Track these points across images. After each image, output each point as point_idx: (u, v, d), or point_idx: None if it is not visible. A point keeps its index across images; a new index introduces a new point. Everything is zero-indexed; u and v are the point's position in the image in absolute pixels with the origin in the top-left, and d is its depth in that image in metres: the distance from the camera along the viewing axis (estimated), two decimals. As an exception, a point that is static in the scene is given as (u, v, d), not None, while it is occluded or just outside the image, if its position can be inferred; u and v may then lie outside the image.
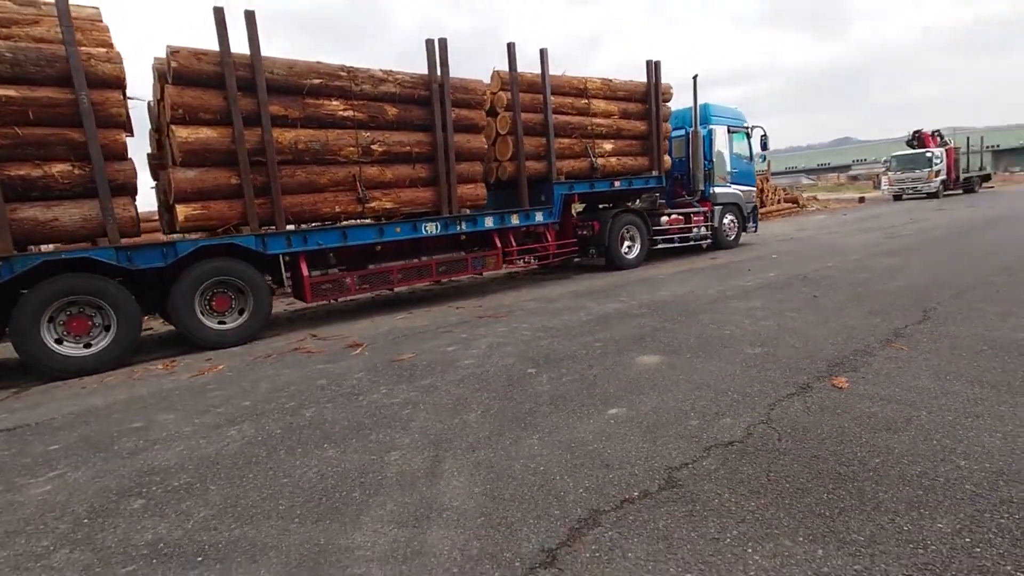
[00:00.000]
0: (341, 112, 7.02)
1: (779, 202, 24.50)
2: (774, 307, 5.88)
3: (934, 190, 26.73)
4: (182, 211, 6.05)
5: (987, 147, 37.22)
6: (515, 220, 8.75)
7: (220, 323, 6.30)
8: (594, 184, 9.83)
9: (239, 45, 6.25)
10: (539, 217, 9.07)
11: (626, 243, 10.35)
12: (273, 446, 3.24)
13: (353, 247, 7.22)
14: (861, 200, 28.57)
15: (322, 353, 5.57)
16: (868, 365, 3.81)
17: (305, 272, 6.77)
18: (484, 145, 8.46)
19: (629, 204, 11.80)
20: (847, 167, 73.52)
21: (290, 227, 6.90)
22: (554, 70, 9.19)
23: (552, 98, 9.19)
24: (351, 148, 7.10)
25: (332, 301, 7.76)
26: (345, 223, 7.24)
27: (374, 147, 7.28)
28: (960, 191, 28.83)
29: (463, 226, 8.13)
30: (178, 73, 5.89)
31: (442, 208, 7.92)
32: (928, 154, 27.11)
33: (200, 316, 6.12)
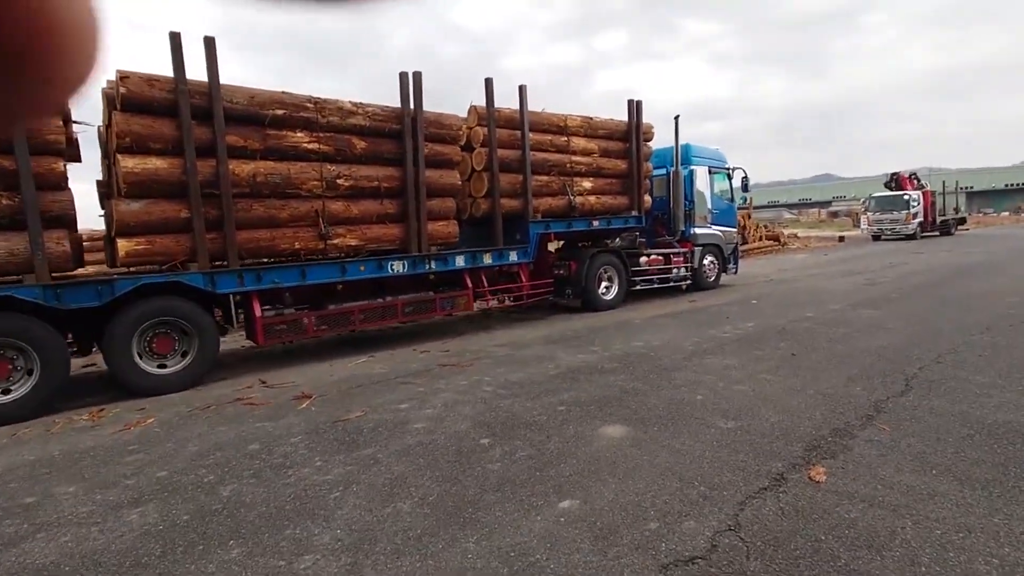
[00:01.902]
0: (306, 144, 6.69)
1: (761, 239, 24.56)
2: (750, 367, 5.58)
3: (912, 232, 27.06)
4: (123, 246, 5.64)
5: (961, 188, 38.02)
6: (488, 259, 8.43)
7: (160, 367, 5.84)
8: (572, 223, 9.58)
9: (198, 72, 5.94)
10: (513, 256, 8.77)
11: (604, 283, 10.08)
12: (173, 540, 2.81)
13: (312, 286, 6.83)
14: (841, 239, 28.82)
15: (266, 406, 5.13)
16: (848, 451, 3.50)
17: (258, 312, 6.36)
18: (458, 181, 8.19)
19: (608, 243, 11.60)
20: (828, 203, 74.88)
21: (246, 262, 6.51)
22: (541, 103, 9.00)
23: (531, 135, 8.98)
24: (315, 182, 6.77)
25: (286, 343, 7.33)
26: (305, 261, 6.85)
27: (340, 181, 6.96)
28: (937, 233, 29.23)
29: (432, 265, 7.79)
30: (127, 99, 5.54)
31: (410, 246, 7.59)
32: (906, 197, 27.50)
33: (138, 360, 5.66)
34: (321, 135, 6.82)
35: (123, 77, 5.51)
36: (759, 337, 6.96)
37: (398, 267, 7.45)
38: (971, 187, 61.74)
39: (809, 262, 18.07)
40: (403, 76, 7.42)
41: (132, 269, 6.21)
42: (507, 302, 9.60)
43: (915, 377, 4.97)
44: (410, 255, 7.58)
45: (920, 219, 27.34)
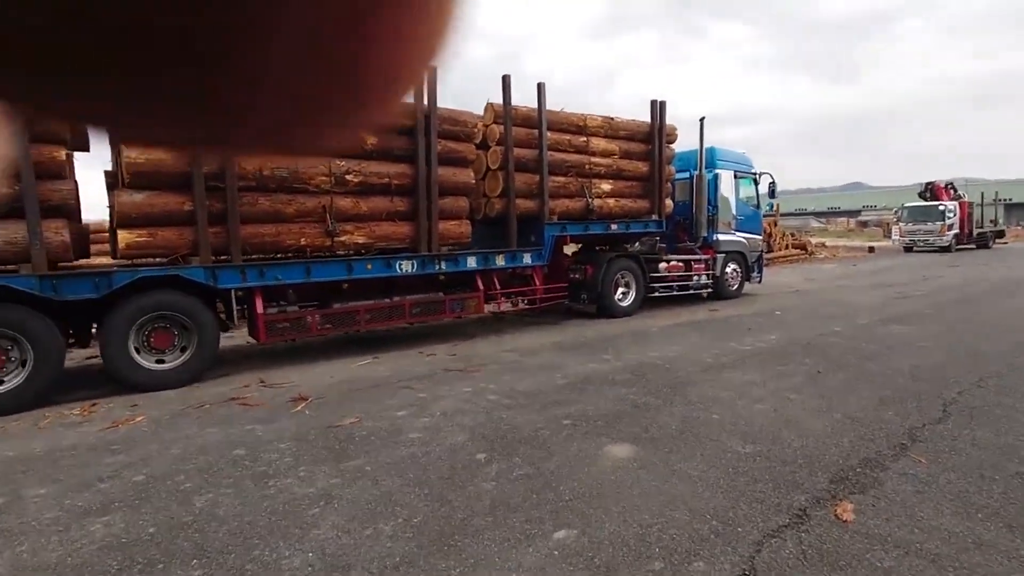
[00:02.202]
0: (314, 138, 6.51)
1: (787, 247, 23.90)
2: (772, 384, 5.23)
3: (946, 244, 26.10)
4: (124, 237, 5.51)
5: (1000, 200, 36.64)
6: (500, 261, 8.18)
7: (159, 362, 5.70)
8: (589, 226, 9.27)
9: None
10: (527, 259, 8.50)
11: (620, 289, 9.75)
12: (132, 555, 2.60)
13: (317, 284, 6.65)
14: (871, 250, 27.95)
15: (260, 407, 4.94)
16: (879, 485, 3.15)
17: (260, 309, 6.19)
18: (471, 180, 7.95)
19: (628, 247, 11.26)
20: (857, 212, 73.16)
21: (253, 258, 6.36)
22: (565, 104, 8.74)
23: (549, 134, 8.70)
24: (323, 177, 6.59)
25: (289, 341, 7.14)
26: (311, 258, 6.67)
27: (349, 177, 6.77)
28: (973, 246, 28.18)
29: (442, 265, 7.56)
30: (132, 88, 5.41)
31: (420, 245, 7.37)
32: (941, 207, 26.56)
33: (135, 355, 5.52)
34: (331, 129, 6.63)
35: (128, 65, 5.38)
36: (782, 352, 6.58)
37: (407, 267, 7.24)
38: (1010, 199, 59.68)
39: (837, 272, 17.46)
40: (418, 70, 7.19)
41: (135, 262, 6.09)
42: (521, 305, 9.35)
43: (954, 403, 4.57)
44: (419, 255, 7.36)
45: (955, 231, 26.36)
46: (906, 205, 28.75)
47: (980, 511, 2.85)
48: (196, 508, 3.05)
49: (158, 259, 6.08)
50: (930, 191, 28.85)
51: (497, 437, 4.03)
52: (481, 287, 7.98)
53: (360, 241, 6.96)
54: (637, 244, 11.58)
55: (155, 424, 4.52)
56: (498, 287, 8.23)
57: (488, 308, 8.54)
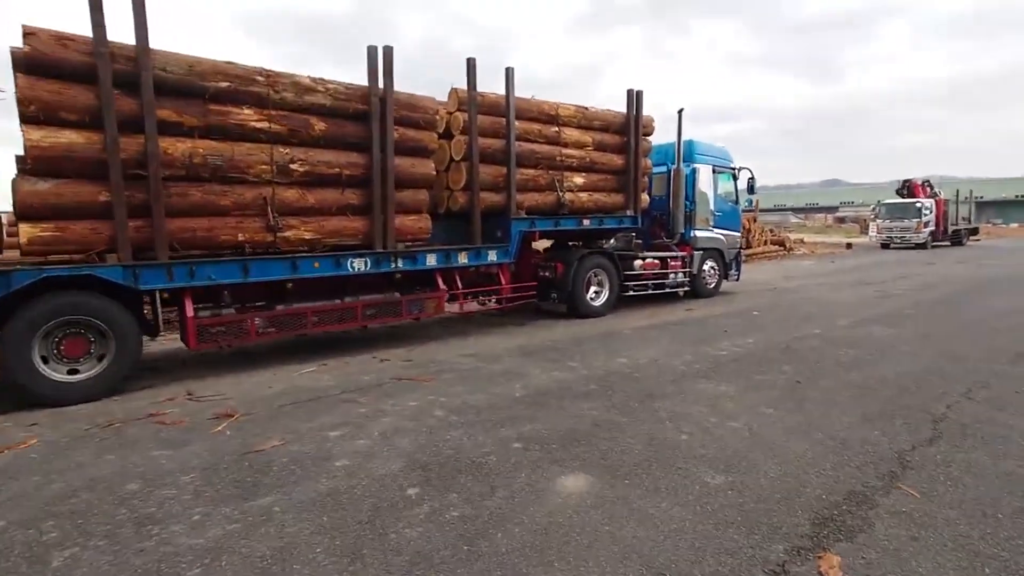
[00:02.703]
0: (254, 123, 5.91)
1: (766, 243, 23.71)
2: (747, 396, 4.79)
3: (922, 241, 26.20)
4: (26, 232, 4.87)
5: (973, 197, 37.00)
6: (463, 259, 7.64)
7: (72, 372, 5.08)
8: (560, 221, 8.78)
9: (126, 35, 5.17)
10: (492, 256, 7.98)
11: (593, 288, 9.29)
12: (-58, 644, 2.05)
13: (257, 284, 6.06)
14: (849, 246, 27.96)
15: (177, 426, 4.37)
16: (869, 528, 2.71)
17: (190, 312, 5.58)
18: (432, 171, 7.39)
19: (603, 243, 10.80)
20: (835, 208, 73.92)
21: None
22: (535, 94, 8.20)
23: (517, 123, 8.18)
24: (264, 166, 5.98)
25: (224, 348, 6.50)
26: (250, 255, 6.06)
27: (294, 166, 6.17)
28: (948, 243, 28.36)
29: (399, 263, 7.00)
30: (33, 60, 4.75)
31: (375, 241, 6.80)
32: (918, 204, 26.65)
33: (40, 365, 4.89)
34: (273, 113, 6.03)
35: (28, 34, 4.73)
36: (760, 357, 6.17)
37: (359, 265, 6.67)
38: (981, 197, 60.65)
39: (816, 270, 17.25)
40: (371, 51, 6.62)
41: (47, 259, 5.44)
42: (487, 305, 8.85)
43: (944, 419, 4.18)
44: (374, 252, 6.79)
45: (932, 228, 26.47)
46: (883, 202, 28.81)
47: (987, 564, 2.43)
48: (51, 568, 2.50)
49: (74, 255, 5.44)
50: (907, 188, 28.94)
51: (437, 464, 3.53)
52: (442, 287, 7.44)
53: (307, 237, 6.37)
54: (613, 240, 11.16)
55: (46, 452, 3.92)
56: (460, 286, 7.69)
57: (451, 308, 8.00)
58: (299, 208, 6.30)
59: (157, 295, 5.53)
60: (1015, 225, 56.59)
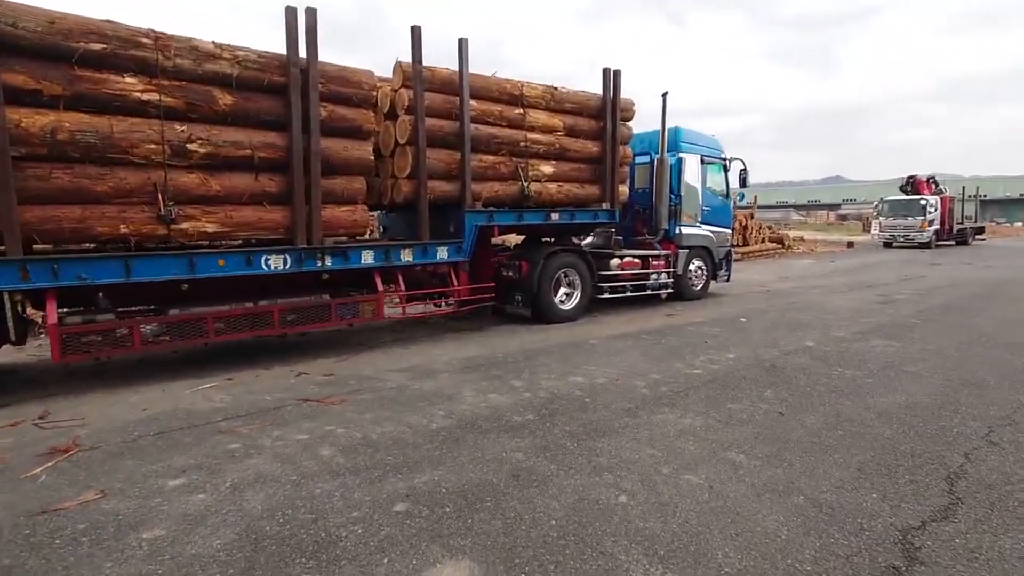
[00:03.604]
0: (139, 93, 4.96)
1: (763, 241, 22.74)
2: (716, 434, 3.86)
3: (927, 240, 25.16)
4: None
5: (978, 195, 35.95)
6: (407, 256, 6.70)
7: None
8: (523, 215, 7.82)
9: None
10: (443, 253, 7.03)
11: (562, 290, 8.34)
12: None
13: (142, 285, 5.12)
14: (850, 245, 26.96)
15: (-8, 466, 3.46)
16: None
17: (52, 318, 4.64)
18: (370, 155, 6.43)
19: (578, 240, 9.87)
20: (837, 206, 72.80)
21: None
22: (496, 71, 7.24)
23: (474, 103, 7.22)
24: (153, 145, 5.04)
25: (98, 359, 5.48)
26: (135, 251, 5.12)
27: (192, 147, 5.23)
28: (953, 242, 27.33)
29: (327, 261, 6.06)
30: None
31: (297, 236, 5.86)
32: (923, 201, 25.58)
33: None
34: (165, 83, 5.08)
35: None
36: (739, 378, 5.23)
37: (277, 263, 5.74)
38: (985, 195, 59.54)
39: (814, 270, 16.29)
40: (289, 12, 5.65)
41: None
42: (442, 308, 7.92)
43: (962, 475, 3.24)
44: (296, 248, 5.86)
45: (936, 227, 25.43)
46: (886, 199, 27.77)
47: None
48: None
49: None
50: (911, 185, 27.88)
51: (278, 540, 2.60)
52: (380, 288, 6.51)
53: (210, 230, 5.43)
54: (591, 237, 10.21)
55: None
56: (403, 287, 6.76)
57: (394, 312, 7.07)
58: (200, 196, 5.36)
59: (6, 297, 4.60)
60: (1019, 224, 55.56)
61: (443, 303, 7.65)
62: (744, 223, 21.57)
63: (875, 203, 30.16)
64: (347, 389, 5.01)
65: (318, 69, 5.84)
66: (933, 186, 27.61)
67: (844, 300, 10.09)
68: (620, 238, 10.07)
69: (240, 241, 5.83)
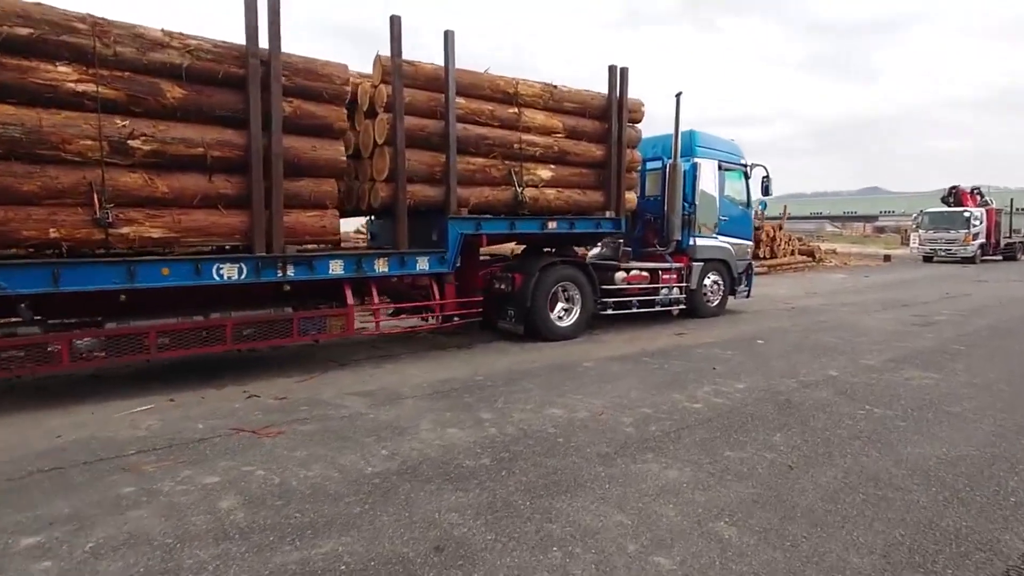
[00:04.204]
0: (72, 84, 4.50)
1: (792, 253, 21.60)
2: (704, 496, 3.13)
3: (971, 255, 23.62)
4: None
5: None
6: (381, 267, 6.11)
7: None
8: (515, 223, 7.17)
9: None
10: (423, 264, 6.43)
11: (560, 305, 7.65)
12: None
13: (73, 295, 4.63)
14: (887, 259, 25.52)
15: None
16: None
17: (-36, 332, 4.18)
18: (341, 155, 5.88)
19: (584, 251, 9.23)
20: (874, 218, 70.27)
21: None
22: (489, 68, 6.64)
23: (462, 101, 6.63)
24: (89, 141, 4.57)
25: (18, 377, 4.94)
26: (66, 257, 4.62)
27: (135, 143, 4.74)
28: (1000, 258, 25.64)
29: (289, 271, 5.51)
30: None
31: (256, 243, 5.33)
32: (966, 214, 24.07)
33: None
34: (104, 73, 4.61)
35: None
36: (746, 416, 4.47)
37: (230, 273, 5.21)
38: (1031, 208, 56.46)
39: (846, 285, 15.22)
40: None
41: None
42: (425, 324, 7.32)
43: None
44: (253, 256, 5.33)
45: (982, 240, 23.88)
46: (927, 210, 26.27)
47: None
48: None
49: None
50: (954, 196, 26.36)
51: (99, 643, 2.00)
52: (350, 301, 5.93)
53: (155, 235, 4.93)
54: (599, 247, 9.52)
55: None
56: (376, 301, 6.17)
57: (367, 327, 6.48)
58: (144, 198, 4.87)
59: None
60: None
61: (427, 318, 7.04)
62: (772, 234, 20.53)
63: (914, 215, 28.62)
64: (293, 417, 4.42)
65: (282, 60, 5.33)
66: (978, 197, 26.06)
67: (877, 320, 9.16)
68: (629, 249, 9.34)
69: (190, 248, 5.31)
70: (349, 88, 5.89)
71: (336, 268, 5.81)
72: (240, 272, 5.26)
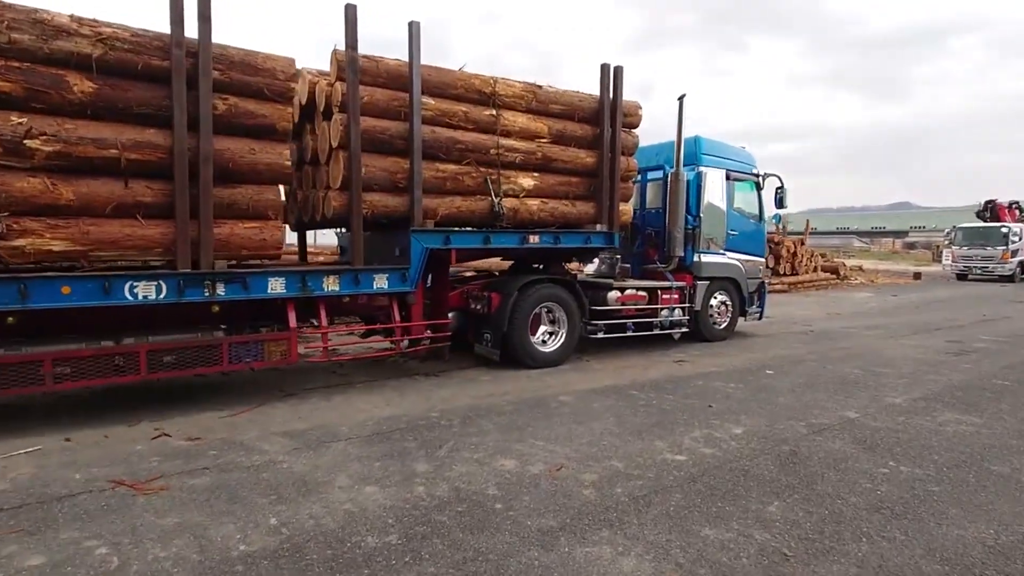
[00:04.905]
0: (-46, 75, 3.93)
1: (815, 270, 20.47)
2: (664, 602, 2.33)
3: (1009, 273, 22.19)
4: None
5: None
6: (331, 285, 5.42)
7: None
8: (491, 237, 6.42)
9: None
10: (381, 282, 5.72)
11: (542, 328, 6.88)
12: None
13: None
14: (917, 276, 24.13)
15: None
16: None
17: None
18: (286, 160, 5.22)
19: (579, 266, 8.49)
20: (904, 233, 68.11)
21: None
22: (465, 64, 5.98)
23: (431, 101, 5.96)
24: (-24, 141, 3.98)
25: None
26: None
27: (33, 143, 4.14)
28: (1040, 276, 24.06)
29: (219, 290, 4.85)
30: None
31: (179, 258, 4.69)
32: (1003, 229, 22.67)
33: None
34: (-4, 63, 4.04)
35: None
36: (738, 474, 3.64)
37: (146, 291, 4.55)
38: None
39: (872, 305, 14.14)
40: (171, -19, 4.55)
41: None
42: (394, 348, 6.59)
43: None
44: (176, 273, 4.68)
45: (1021, 258, 22.43)
46: (960, 226, 24.89)
47: None
48: None
49: None
50: (990, 210, 24.97)
51: None
52: (293, 324, 5.24)
53: (57, 248, 4.31)
54: (595, 262, 8.74)
55: None
56: (324, 323, 5.47)
57: (314, 354, 5.78)
58: (45, 206, 4.25)
59: None
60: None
61: (397, 341, 6.31)
62: (793, 249, 19.46)
63: (947, 230, 27.20)
64: (193, 465, 3.72)
65: (213, 52, 4.72)
66: (1016, 212, 24.60)
67: (905, 348, 8.18)
68: (627, 266, 8.57)
69: (102, 263, 4.67)
70: (296, 85, 5.27)
71: (276, 287, 5.13)
72: (159, 291, 4.61)
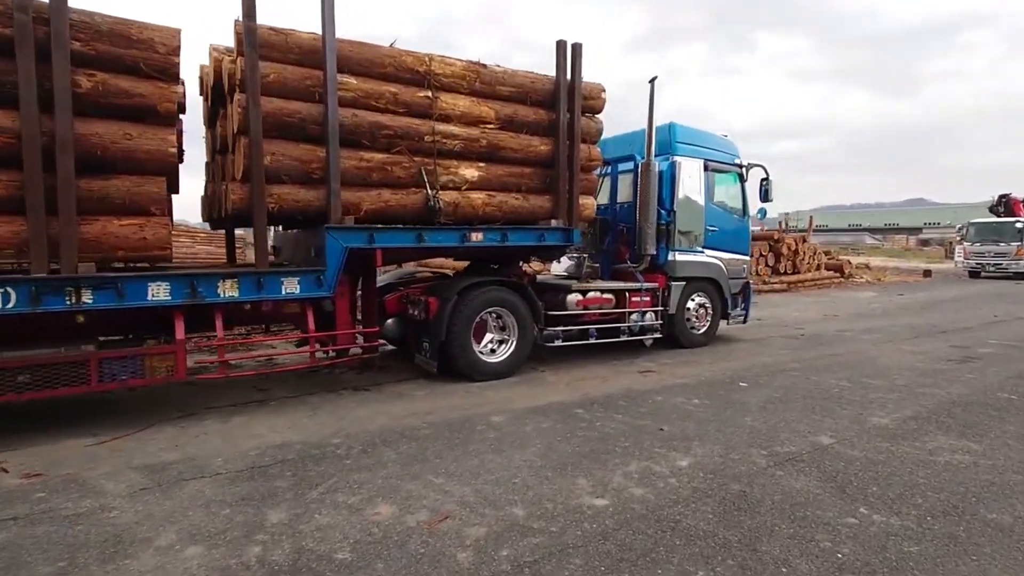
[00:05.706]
0: None
1: (818, 268, 19.56)
2: None
3: (1023, 270, 21.13)
4: None
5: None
6: (229, 290, 4.73)
7: None
8: (424, 235, 5.70)
9: None
10: (291, 287, 5.02)
11: (489, 336, 6.16)
12: None
13: None
14: (927, 274, 23.11)
15: None
16: None
17: None
18: (170, 147, 4.54)
19: (540, 266, 7.76)
20: (918, 230, 66.47)
21: None
22: (395, 39, 5.28)
23: (352, 80, 5.27)
24: None
25: None
26: None
27: None
28: (1057, 273, 22.96)
29: (86, 298, 4.18)
30: None
31: (33, 260, 4.03)
32: (1018, 224, 21.62)
33: None
34: None
35: None
36: (666, 526, 2.90)
37: (-9, 299, 3.90)
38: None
39: (873, 305, 13.27)
40: (14, -65, 3.88)
41: None
42: (315, 359, 5.89)
43: None
44: (29, 278, 4.02)
45: (1036, 254, 21.36)
46: (973, 221, 23.82)
47: None
48: None
49: None
50: (1004, 205, 23.89)
51: None
52: (181, 336, 4.56)
53: None
54: (566, 261, 8.02)
55: None
56: (220, 334, 4.79)
57: (209, 370, 5.08)
58: None
59: None
60: None
61: (329, 352, 5.62)
62: (794, 247, 18.58)
63: (959, 226, 26.13)
64: (4, 513, 3.05)
65: (74, 19, 4.05)
66: (1031, 207, 23.51)
67: (903, 354, 7.37)
68: (596, 266, 7.86)
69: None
70: (178, 59, 4.54)
71: (159, 293, 4.46)
72: (6, 299, 3.95)
